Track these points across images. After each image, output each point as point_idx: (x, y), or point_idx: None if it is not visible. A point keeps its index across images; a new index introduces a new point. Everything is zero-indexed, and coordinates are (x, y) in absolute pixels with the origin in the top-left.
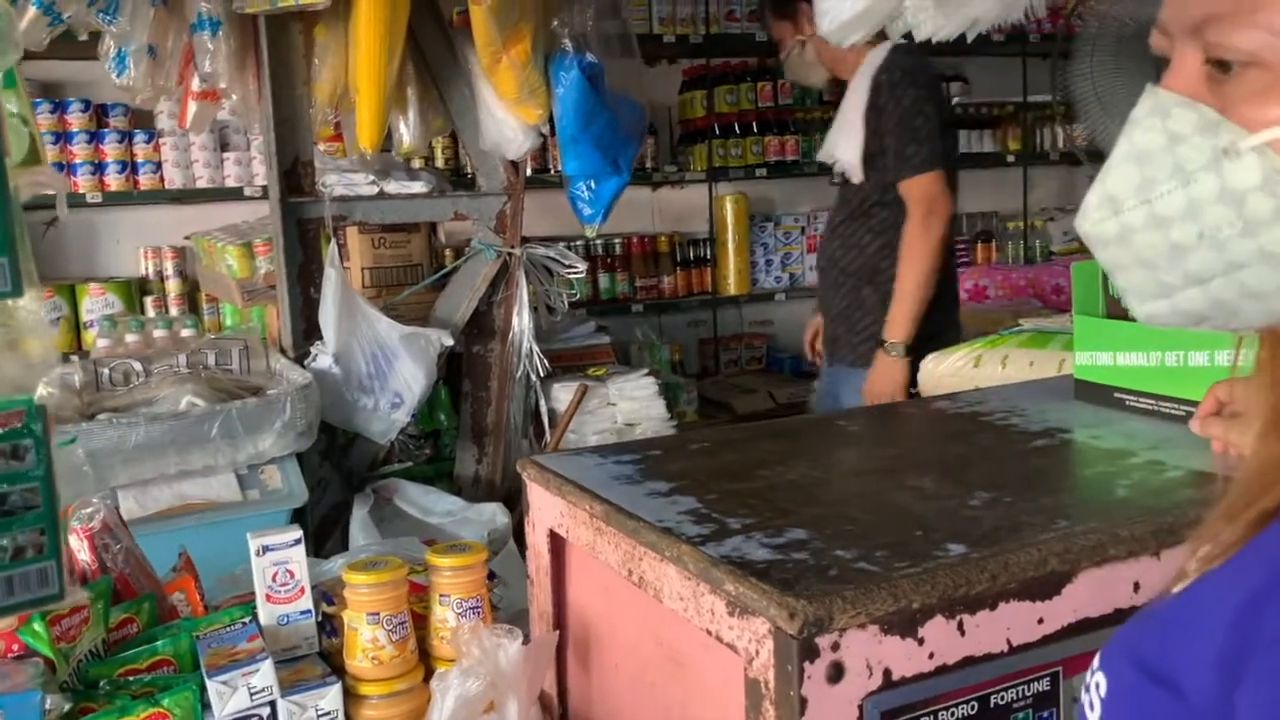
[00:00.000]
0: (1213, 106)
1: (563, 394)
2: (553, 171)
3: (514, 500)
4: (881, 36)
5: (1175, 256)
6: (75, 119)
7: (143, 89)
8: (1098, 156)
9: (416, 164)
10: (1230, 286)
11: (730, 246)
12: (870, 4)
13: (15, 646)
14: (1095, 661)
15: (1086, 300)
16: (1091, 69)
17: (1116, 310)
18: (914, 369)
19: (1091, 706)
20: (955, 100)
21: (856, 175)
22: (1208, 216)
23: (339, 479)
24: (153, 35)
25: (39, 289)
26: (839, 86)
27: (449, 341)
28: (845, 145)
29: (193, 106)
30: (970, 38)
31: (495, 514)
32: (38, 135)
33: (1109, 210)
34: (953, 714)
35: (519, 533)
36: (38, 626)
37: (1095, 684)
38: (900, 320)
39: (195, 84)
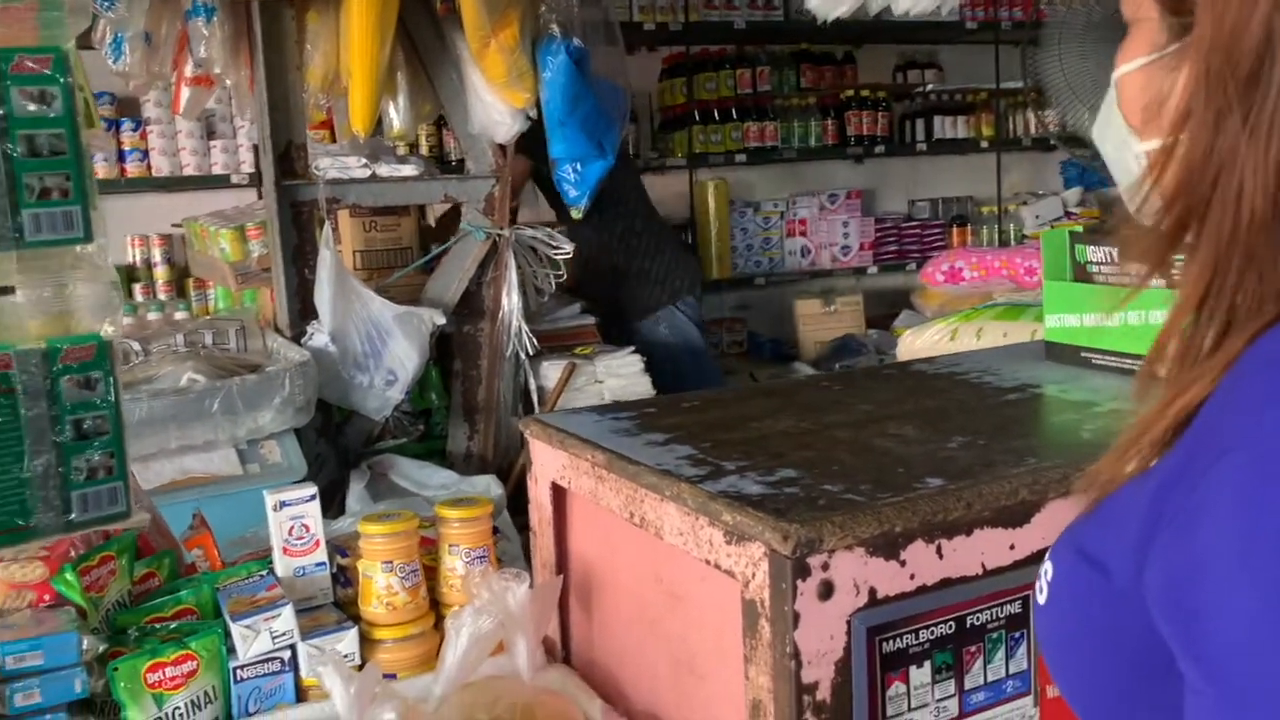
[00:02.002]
0: None
1: (551, 372)
2: None
3: (505, 475)
4: None
5: (1116, 161)
6: None
7: (138, 75)
8: (1070, 140)
9: (401, 149)
10: (1127, 182)
11: (711, 231)
12: None
13: (47, 596)
14: (1047, 555)
15: (1055, 266)
16: (1060, 55)
17: (1083, 275)
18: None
19: (1041, 590)
20: (930, 87)
21: None
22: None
23: (335, 455)
24: (148, 22)
25: (106, 236)
26: None
27: (441, 320)
28: None
29: (186, 92)
30: (944, 11)
31: (490, 485)
32: (91, 99)
33: (1096, 120)
34: (932, 632)
35: (512, 506)
36: (70, 576)
37: (1045, 571)
38: None
39: (189, 70)
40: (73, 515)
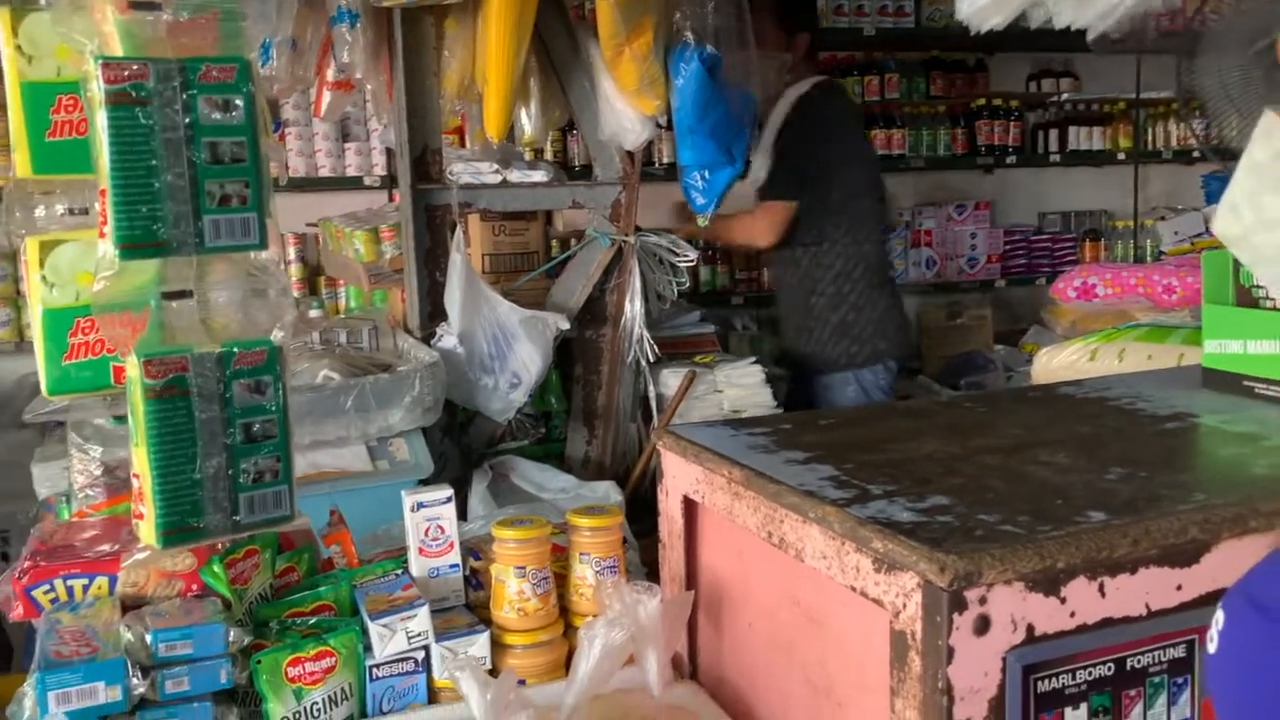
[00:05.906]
0: None
1: (671, 380)
2: (657, 164)
3: (623, 481)
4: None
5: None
6: None
7: (283, 79)
8: (1224, 153)
9: (528, 155)
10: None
11: None
12: None
13: (195, 586)
14: (1219, 604)
15: (1217, 289)
16: (1219, 66)
17: (1246, 299)
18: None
19: (1211, 640)
20: (1065, 96)
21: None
22: None
23: (458, 455)
24: (295, 27)
25: (280, 243)
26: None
27: (565, 325)
28: (760, 165)
29: (328, 96)
30: (1111, 26)
31: (609, 492)
32: (266, 109)
33: (1231, 216)
34: (1090, 673)
35: (628, 514)
36: (217, 568)
37: (1216, 620)
38: (719, 225)
39: (331, 74)
40: (239, 517)
